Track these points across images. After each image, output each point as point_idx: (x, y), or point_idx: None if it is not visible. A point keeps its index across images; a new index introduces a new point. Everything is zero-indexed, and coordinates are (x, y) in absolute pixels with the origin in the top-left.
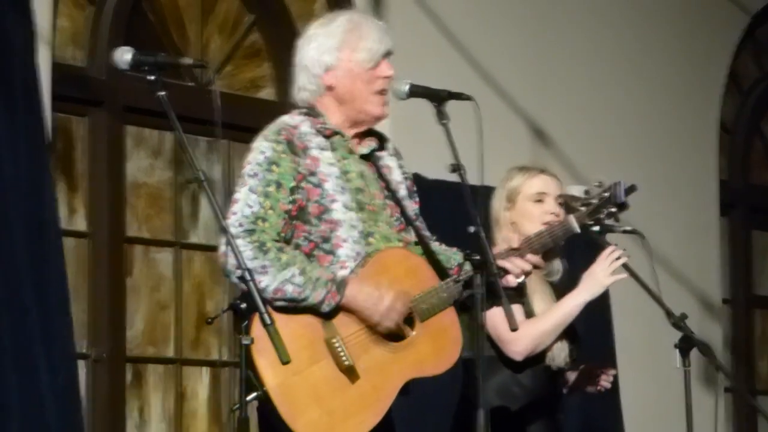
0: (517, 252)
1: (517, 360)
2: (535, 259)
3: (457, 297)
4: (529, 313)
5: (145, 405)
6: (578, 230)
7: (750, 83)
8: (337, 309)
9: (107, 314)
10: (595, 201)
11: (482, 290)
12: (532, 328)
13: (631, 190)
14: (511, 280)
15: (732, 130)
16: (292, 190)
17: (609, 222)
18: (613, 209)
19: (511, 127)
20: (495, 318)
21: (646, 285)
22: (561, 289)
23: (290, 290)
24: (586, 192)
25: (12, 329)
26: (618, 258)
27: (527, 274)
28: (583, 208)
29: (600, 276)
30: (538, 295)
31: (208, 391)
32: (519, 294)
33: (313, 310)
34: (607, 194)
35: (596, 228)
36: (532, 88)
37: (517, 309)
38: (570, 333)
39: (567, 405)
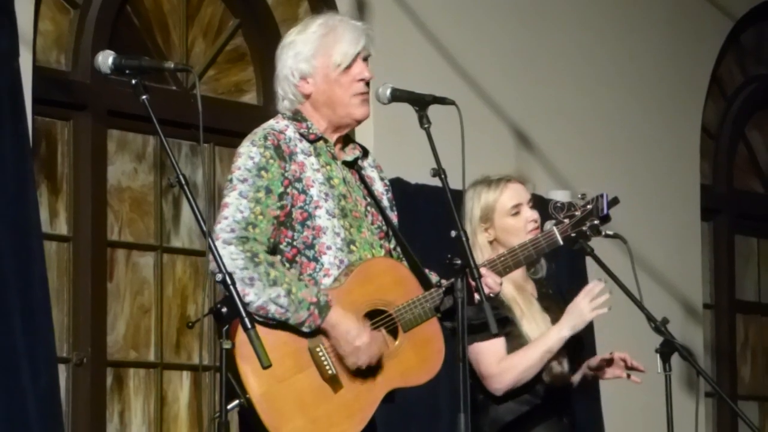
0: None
1: (498, 395)
2: (496, 286)
3: (439, 304)
4: (520, 336)
5: (126, 409)
6: (561, 242)
7: (733, 88)
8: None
9: (89, 318)
10: (578, 213)
11: (464, 294)
12: (513, 365)
13: (614, 202)
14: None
15: (716, 135)
16: (281, 196)
17: (592, 234)
18: (596, 221)
19: (494, 131)
20: (478, 352)
21: (628, 290)
22: (550, 296)
23: (273, 310)
24: (571, 205)
25: None
26: (599, 292)
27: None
28: (566, 220)
29: (584, 311)
30: (527, 318)
31: (189, 395)
32: (502, 325)
33: None
34: (590, 206)
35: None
36: (515, 92)
37: (499, 342)
38: (572, 346)
39: None
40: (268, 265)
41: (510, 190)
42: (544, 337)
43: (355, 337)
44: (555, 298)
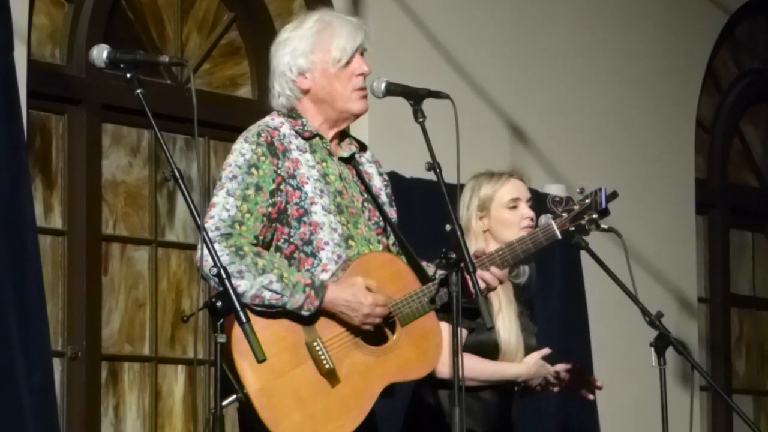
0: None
1: (436, 377)
2: (501, 274)
3: (434, 296)
4: (491, 329)
5: (120, 403)
6: (560, 236)
7: (728, 82)
8: (318, 313)
9: (83, 312)
10: (576, 207)
11: (458, 288)
12: (467, 366)
13: (612, 196)
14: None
15: (710, 130)
16: (272, 193)
17: (590, 228)
18: (595, 215)
19: (489, 125)
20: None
21: (622, 283)
22: (522, 303)
23: (268, 297)
24: (569, 199)
25: None
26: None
27: (490, 289)
28: (564, 214)
29: (543, 373)
30: (503, 314)
31: (183, 389)
32: (472, 315)
33: (294, 313)
34: (588, 200)
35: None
36: (510, 87)
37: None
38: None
39: (543, 405)
40: (254, 255)
41: (511, 184)
42: (507, 365)
43: (357, 305)
44: (525, 308)
